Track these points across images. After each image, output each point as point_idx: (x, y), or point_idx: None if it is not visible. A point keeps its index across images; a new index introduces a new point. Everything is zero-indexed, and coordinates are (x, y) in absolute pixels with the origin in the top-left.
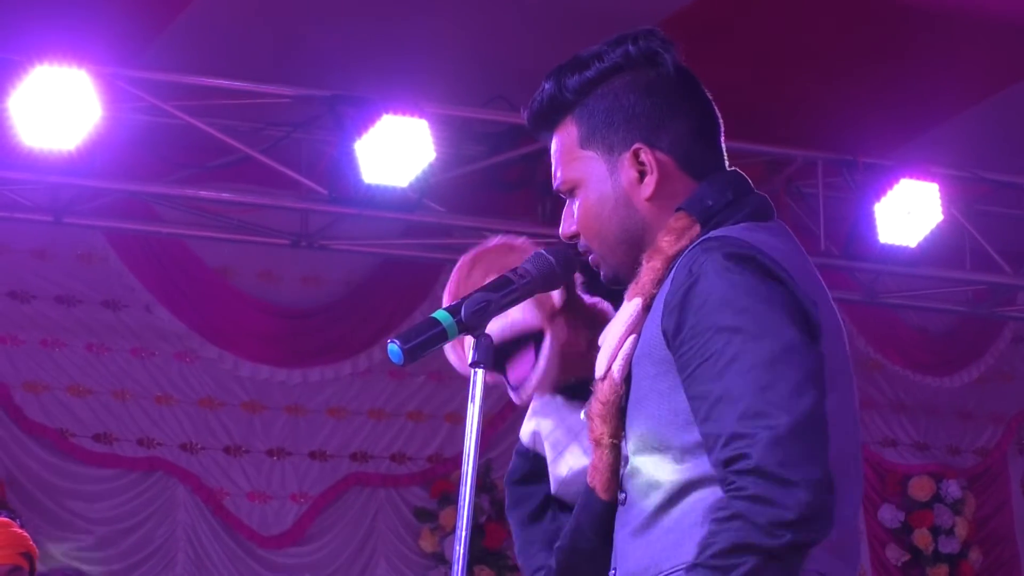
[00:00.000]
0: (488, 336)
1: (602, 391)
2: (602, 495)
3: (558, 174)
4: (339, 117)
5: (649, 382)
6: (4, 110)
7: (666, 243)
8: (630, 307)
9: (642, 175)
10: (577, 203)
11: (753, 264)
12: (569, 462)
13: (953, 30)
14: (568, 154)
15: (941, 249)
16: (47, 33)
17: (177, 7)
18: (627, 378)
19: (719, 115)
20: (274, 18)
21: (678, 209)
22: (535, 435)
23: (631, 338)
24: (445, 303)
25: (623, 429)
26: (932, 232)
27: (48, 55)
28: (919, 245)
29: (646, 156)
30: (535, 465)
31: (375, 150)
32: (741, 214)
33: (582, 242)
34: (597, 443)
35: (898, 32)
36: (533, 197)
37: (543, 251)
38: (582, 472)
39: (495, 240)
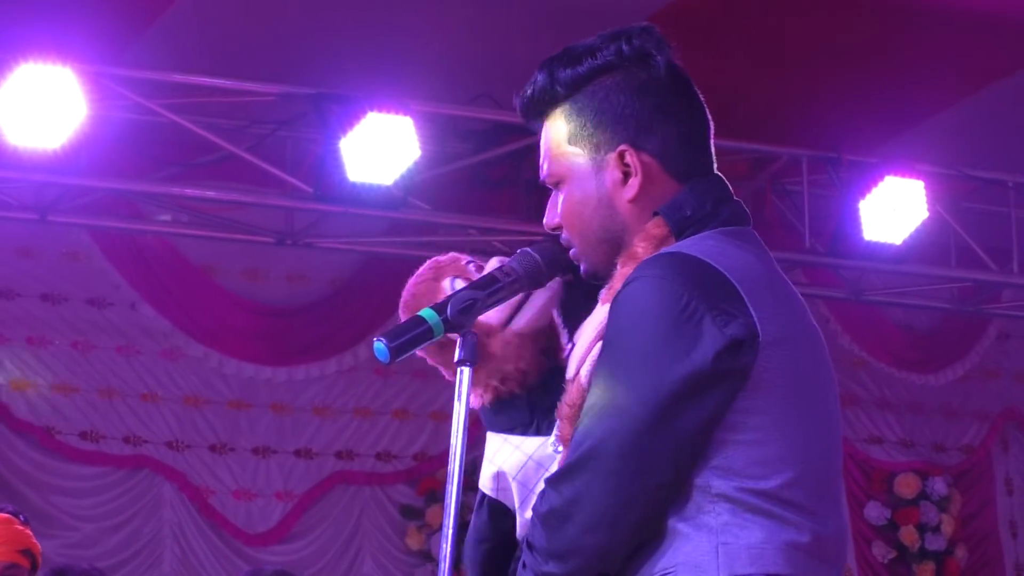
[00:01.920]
0: (474, 334)
1: (569, 393)
2: None
3: (544, 166)
4: (324, 115)
5: None
6: None
7: (641, 249)
8: (603, 311)
9: (626, 176)
10: (561, 197)
11: (674, 293)
12: None
13: (937, 27)
14: (555, 148)
15: (926, 246)
16: (32, 31)
17: (162, 5)
18: None
19: (710, 117)
20: (258, 16)
21: (656, 214)
22: (499, 477)
23: (600, 343)
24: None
25: None
26: (917, 229)
27: (33, 53)
28: (904, 242)
29: (631, 158)
30: (500, 521)
31: (360, 148)
32: (714, 223)
33: (564, 236)
34: (565, 443)
35: (882, 29)
36: (518, 195)
37: (529, 249)
38: None
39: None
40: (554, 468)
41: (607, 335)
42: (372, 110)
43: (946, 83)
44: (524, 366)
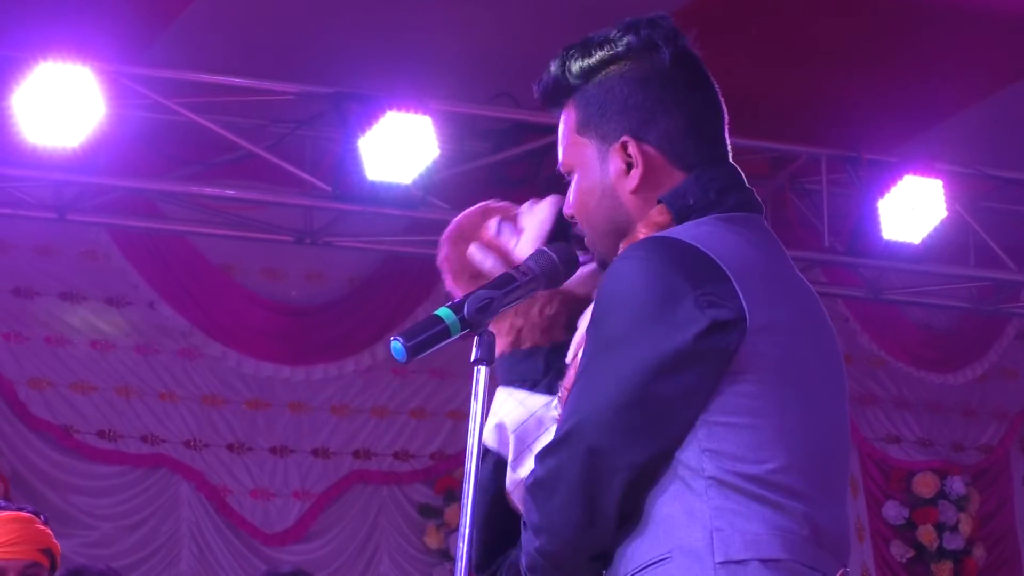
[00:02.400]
0: (491, 333)
1: (568, 376)
2: None
3: (559, 154)
4: (343, 114)
5: None
6: (8, 107)
7: (642, 235)
8: None
9: (629, 167)
10: (573, 186)
11: (656, 273)
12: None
13: (957, 26)
14: (567, 137)
15: (945, 245)
16: (51, 30)
17: (181, 4)
18: None
19: (723, 108)
20: (278, 15)
21: (660, 201)
22: (499, 428)
23: None
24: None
25: None
26: (936, 228)
27: (52, 52)
28: (923, 241)
29: (633, 149)
30: (496, 471)
31: (379, 147)
32: (716, 211)
33: (577, 225)
34: None
35: (902, 28)
36: (537, 194)
37: (546, 248)
38: None
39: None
40: (549, 436)
41: (593, 314)
42: (391, 109)
43: (965, 83)
44: (550, 313)
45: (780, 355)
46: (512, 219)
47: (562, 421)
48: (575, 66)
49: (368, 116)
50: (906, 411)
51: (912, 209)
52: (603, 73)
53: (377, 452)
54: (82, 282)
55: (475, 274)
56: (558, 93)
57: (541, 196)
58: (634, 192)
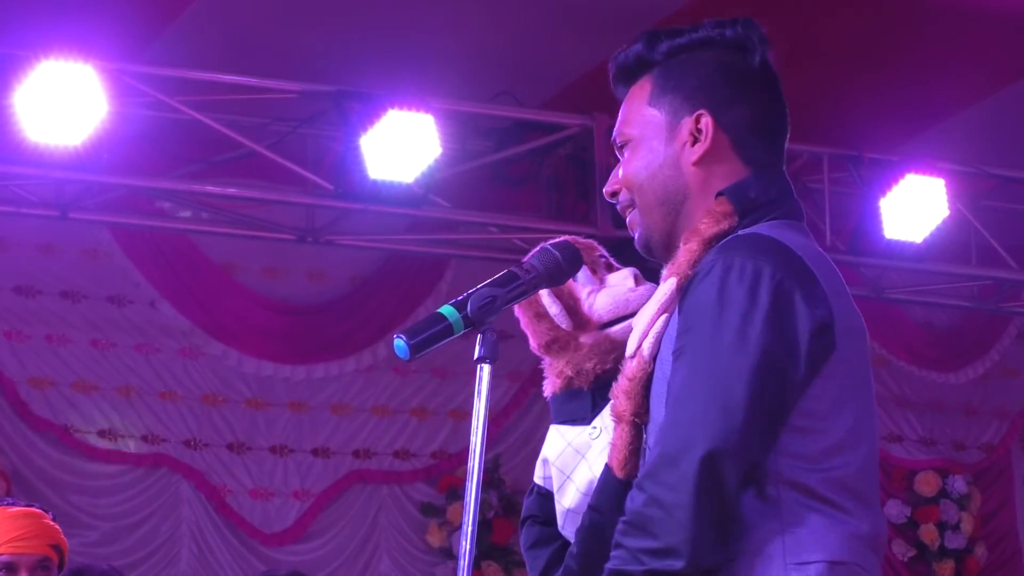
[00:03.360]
0: (494, 331)
1: (630, 367)
2: (618, 473)
3: (618, 126)
4: (345, 112)
5: (668, 366)
6: (10, 105)
7: (704, 226)
8: (666, 286)
9: (696, 140)
10: (625, 157)
11: (755, 276)
12: (576, 483)
13: (959, 26)
14: (636, 109)
15: (947, 244)
16: (53, 28)
17: (183, 2)
18: (656, 358)
19: (788, 125)
20: (279, 13)
21: (720, 193)
22: (544, 463)
23: (663, 317)
24: None
25: (647, 410)
26: (938, 228)
27: (54, 50)
28: (925, 241)
29: (706, 122)
30: (546, 504)
31: (381, 145)
32: (778, 212)
33: (623, 197)
34: (619, 419)
35: (904, 27)
36: (539, 192)
37: (549, 246)
38: (589, 490)
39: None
40: (594, 457)
41: (693, 317)
42: (393, 107)
43: (967, 82)
44: (601, 369)
45: (855, 360)
46: (595, 263)
47: (670, 427)
48: (664, 44)
49: (370, 114)
50: (908, 410)
51: (914, 208)
52: (689, 53)
53: (377, 451)
54: (83, 281)
55: (540, 312)
56: (637, 66)
57: (543, 194)
58: (696, 164)
